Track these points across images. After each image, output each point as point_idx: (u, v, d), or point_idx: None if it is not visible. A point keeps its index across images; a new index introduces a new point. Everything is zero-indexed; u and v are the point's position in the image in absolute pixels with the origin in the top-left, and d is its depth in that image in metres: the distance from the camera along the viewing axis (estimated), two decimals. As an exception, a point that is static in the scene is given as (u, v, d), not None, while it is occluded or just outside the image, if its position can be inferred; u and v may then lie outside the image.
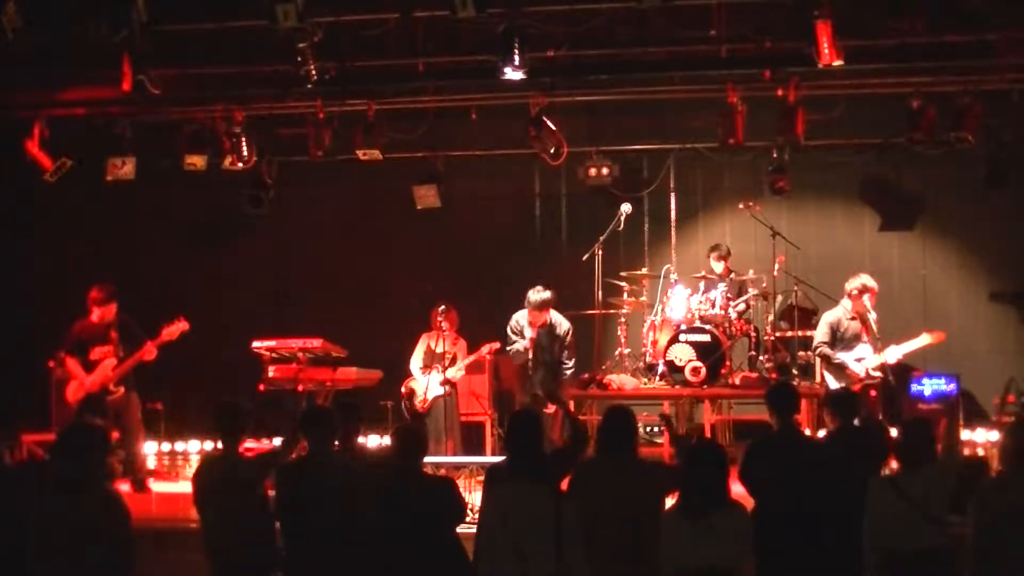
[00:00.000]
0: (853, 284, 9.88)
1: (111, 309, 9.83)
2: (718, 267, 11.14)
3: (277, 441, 10.77)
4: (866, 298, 9.82)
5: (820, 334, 9.98)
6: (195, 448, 11.51)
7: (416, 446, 5.98)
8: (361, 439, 7.74)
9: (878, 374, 9.75)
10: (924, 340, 9.93)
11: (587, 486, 5.93)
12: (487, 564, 5.44)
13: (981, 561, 5.61)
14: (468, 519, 6.35)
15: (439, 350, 10.28)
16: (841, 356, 9.80)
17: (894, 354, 9.79)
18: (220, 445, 6.42)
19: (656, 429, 10.73)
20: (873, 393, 9.65)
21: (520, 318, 10.01)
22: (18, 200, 12.20)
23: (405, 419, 10.17)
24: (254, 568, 6.22)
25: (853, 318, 9.86)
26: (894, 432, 6.92)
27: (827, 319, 9.99)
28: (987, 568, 5.59)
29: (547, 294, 9.89)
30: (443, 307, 10.28)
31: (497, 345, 10.39)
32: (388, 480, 5.92)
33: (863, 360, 9.76)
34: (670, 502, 5.72)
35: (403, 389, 10.45)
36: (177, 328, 9.90)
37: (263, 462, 6.50)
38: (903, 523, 5.73)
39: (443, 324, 10.25)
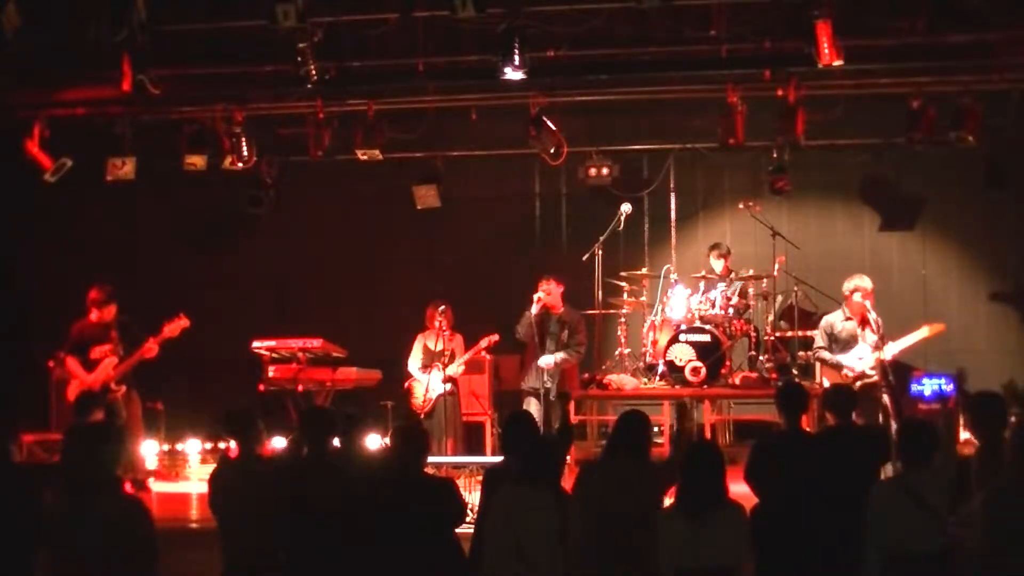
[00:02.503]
0: (846, 286, 9.83)
1: (110, 310, 9.84)
2: (718, 266, 11.13)
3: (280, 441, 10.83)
4: (857, 296, 9.69)
5: (817, 339, 9.94)
6: (195, 448, 11.50)
7: (416, 446, 5.97)
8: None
9: (874, 373, 9.68)
10: (923, 333, 9.83)
11: (594, 488, 5.93)
12: (487, 565, 5.44)
13: (985, 561, 5.60)
14: (468, 519, 6.34)
15: (437, 348, 10.28)
16: (839, 357, 9.75)
17: (891, 350, 9.72)
18: (235, 447, 6.40)
19: (657, 429, 10.71)
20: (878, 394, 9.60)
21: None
22: (18, 200, 12.20)
23: (406, 419, 10.15)
24: (271, 568, 6.20)
25: (849, 319, 9.77)
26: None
27: (822, 323, 9.94)
28: (991, 568, 5.58)
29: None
30: (443, 306, 10.28)
31: (496, 337, 10.38)
32: (388, 480, 5.91)
33: (863, 360, 9.70)
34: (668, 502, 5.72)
35: (404, 387, 10.46)
36: (178, 325, 9.90)
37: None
38: (911, 524, 5.70)
39: (442, 323, 10.25)
